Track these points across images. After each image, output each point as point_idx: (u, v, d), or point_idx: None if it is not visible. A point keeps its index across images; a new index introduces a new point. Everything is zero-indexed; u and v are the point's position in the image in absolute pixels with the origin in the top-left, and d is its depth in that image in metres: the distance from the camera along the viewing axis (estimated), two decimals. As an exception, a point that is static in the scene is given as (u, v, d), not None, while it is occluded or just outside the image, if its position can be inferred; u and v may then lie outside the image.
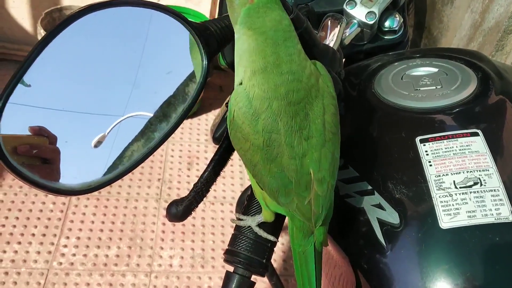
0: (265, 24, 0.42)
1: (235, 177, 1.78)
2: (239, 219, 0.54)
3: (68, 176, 0.42)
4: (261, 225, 0.52)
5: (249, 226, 0.53)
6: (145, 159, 0.47)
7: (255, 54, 0.42)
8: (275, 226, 0.53)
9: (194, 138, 1.90)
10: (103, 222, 1.57)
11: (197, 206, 0.55)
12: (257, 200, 0.54)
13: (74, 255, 1.46)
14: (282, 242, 1.58)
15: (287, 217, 0.50)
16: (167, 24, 0.47)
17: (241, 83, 0.43)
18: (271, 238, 0.52)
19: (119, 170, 0.45)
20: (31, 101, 0.41)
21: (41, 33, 1.81)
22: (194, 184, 0.55)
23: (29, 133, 0.41)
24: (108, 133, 0.47)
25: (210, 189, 0.56)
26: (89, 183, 0.43)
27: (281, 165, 0.42)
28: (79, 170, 0.44)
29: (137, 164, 0.46)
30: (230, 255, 0.52)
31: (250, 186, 0.85)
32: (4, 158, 0.38)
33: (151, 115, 0.52)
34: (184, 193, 1.70)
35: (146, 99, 0.54)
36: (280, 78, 0.41)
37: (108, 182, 0.44)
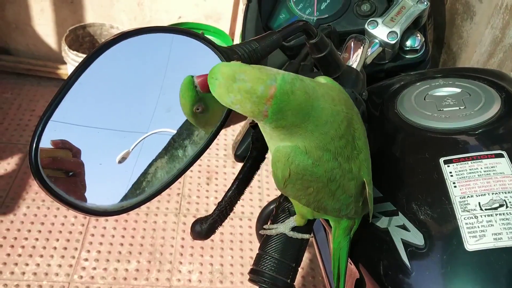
0: (295, 116, 0.41)
1: (254, 192, 1.79)
2: (269, 229, 0.54)
3: (101, 197, 0.43)
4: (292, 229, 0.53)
5: (275, 244, 0.53)
6: (176, 180, 0.47)
7: (293, 128, 0.41)
8: (307, 226, 0.54)
9: (213, 153, 1.91)
10: (123, 236, 1.58)
11: (221, 225, 0.56)
12: (286, 209, 0.54)
13: (94, 268, 1.48)
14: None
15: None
16: (195, 48, 0.48)
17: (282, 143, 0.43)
18: (307, 236, 0.53)
19: (150, 192, 0.46)
20: (65, 118, 0.42)
21: (65, 49, 1.86)
22: (218, 203, 0.56)
23: (52, 147, 0.42)
24: (132, 149, 0.49)
25: (234, 207, 0.56)
26: (121, 204, 0.44)
27: (343, 188, 0.44)
28: (112, 191, 0.45)
29: (168, 185, 0.47)
30: (255, 274, 0.52)
31: (271, 203, 0.86)
32: (40, 175, 0.39)
33: (175, 131, 0.53)
34: (203, 208, 1.72)
35: (169, 117, 0.55)
36: (326, 127, 0.42)
37: (140, 203, 0.45)
